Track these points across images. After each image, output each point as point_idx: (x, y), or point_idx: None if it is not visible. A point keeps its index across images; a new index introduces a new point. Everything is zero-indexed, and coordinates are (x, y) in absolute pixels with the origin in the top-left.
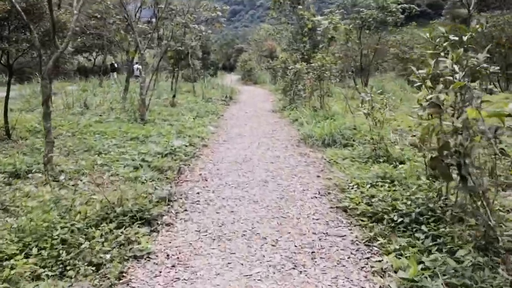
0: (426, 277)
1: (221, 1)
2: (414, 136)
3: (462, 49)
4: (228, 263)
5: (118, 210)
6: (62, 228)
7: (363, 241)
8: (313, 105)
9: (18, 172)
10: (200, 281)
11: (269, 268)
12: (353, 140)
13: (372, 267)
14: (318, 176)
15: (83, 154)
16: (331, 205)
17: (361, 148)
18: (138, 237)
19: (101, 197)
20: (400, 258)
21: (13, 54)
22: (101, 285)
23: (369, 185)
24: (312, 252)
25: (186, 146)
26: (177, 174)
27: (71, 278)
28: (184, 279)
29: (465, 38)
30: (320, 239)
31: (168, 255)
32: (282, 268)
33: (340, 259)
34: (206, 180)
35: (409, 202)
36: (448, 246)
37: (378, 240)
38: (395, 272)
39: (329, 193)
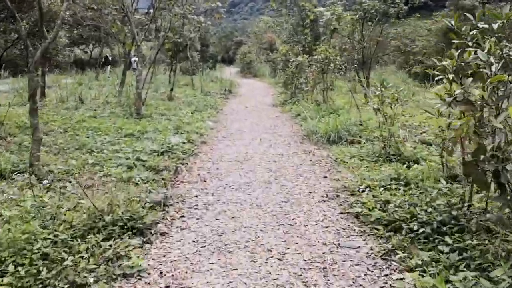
0: None
1: None
2: (424, 132)
3: (494, 38)
4: (230, 282)
5: (107, 218)
6: (44, 239)
7: (380, 254)
8: (316, 99)
9: (2, 173)
10: None
11: None
12: (360, 137)
13: (392, 287)
14: (325, 177)
15: (74, 153)
16: (341, 210)
17: (369, 145)
18: (129, 251)
19: (89, 203)
20: (424, 276)
21: (1, 45)
22: None
23: (382, 188)
24: (324, 268)
25: (184, 143)
26: (173, 174)
27: None
28: None
29: (495, 26)
30: (331, 252)
31: (161, 273)
32: None
33: (356, 276)
34: (205, 181)
35: (429, 209)
36: (477, 262)
37: (397, 253)
38: None
39: (337, 196)
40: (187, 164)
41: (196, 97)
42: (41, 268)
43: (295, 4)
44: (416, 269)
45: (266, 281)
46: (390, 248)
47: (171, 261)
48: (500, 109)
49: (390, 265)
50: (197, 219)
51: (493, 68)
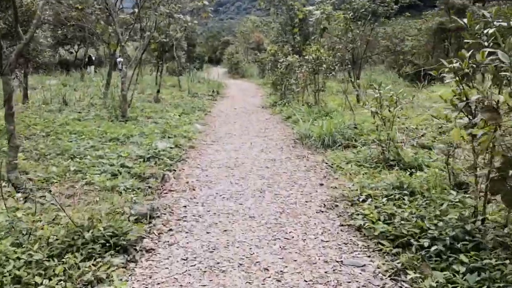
0: None
1: None
2: (423, 136)
3: None
4: None
5: (87, 235)
6: (17, 259)
7: (388, 274)
8: (307, 101)
9: None
10: None
11: None
12: (355, 140)
13: None
14: (321, 185)
15: (56, 158)
16: (341, 222)
17: (366, 150)
18: (111, 272)
19: (66, 219)
20: None
21: None
22: None
23: (385, 198)
24: None
25: (171, 148)
26: (160, 182)
27: None
28: None
29: None
30: (334, 271)
31: None
32: None
33: None
34: (194, 190)
35: (440, 223)
36: (498, 285)
37: (408, 273)
38: None
39: (336, 206)
40: (175, 171)
41: (184, 99)
42: None
43: (283, 3)
44: None
45: None
46: (400, 267)
47: (158, 283)
48: None
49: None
50: (186, 232)
51: None
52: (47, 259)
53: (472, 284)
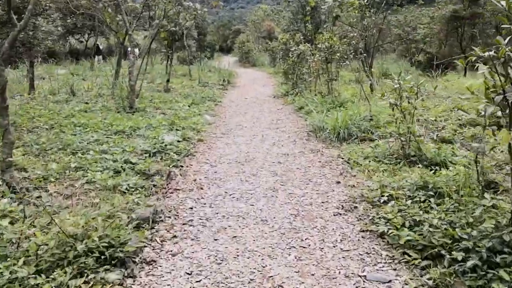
0: None
1: None
2: (443, 129)
3: None
4: None
5: (79, 247)
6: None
7: None
8: (319, 91)
9: None
10: None
11: None
12: (371, 133)
13: None
14: (338, 182)
15: (57, 154)
16: (361, 227)
17: (384, 144)
18: None
19: (58, 227)
20: None
21: None
22: None
23: (409, 200)
24: None
25: (179, 141)
26: (166, 180)
27: None
28: None
29: None
30: None
31: None
32: None
33: None
34: (202, 189)
35: (474, 232)
36: None
37: None
38: None
39: (355, 207)
40: (182, 167)
41: (194, 89)
42: None
43: None
44: None
45: None
46: (432, 284)
47: None
48: None
49: None
50: (192, 239)
51: None
52: (33, 275)
53: None
